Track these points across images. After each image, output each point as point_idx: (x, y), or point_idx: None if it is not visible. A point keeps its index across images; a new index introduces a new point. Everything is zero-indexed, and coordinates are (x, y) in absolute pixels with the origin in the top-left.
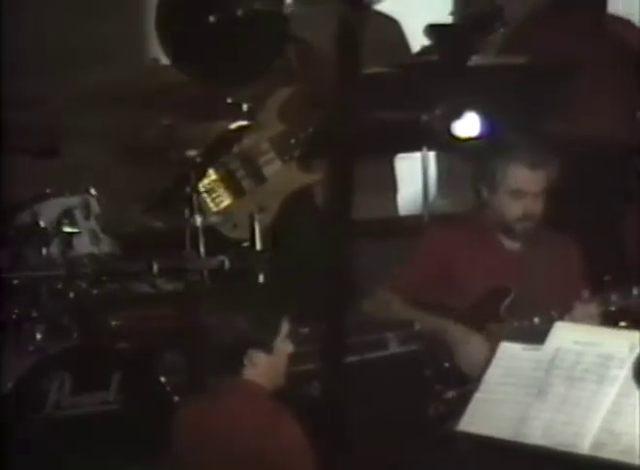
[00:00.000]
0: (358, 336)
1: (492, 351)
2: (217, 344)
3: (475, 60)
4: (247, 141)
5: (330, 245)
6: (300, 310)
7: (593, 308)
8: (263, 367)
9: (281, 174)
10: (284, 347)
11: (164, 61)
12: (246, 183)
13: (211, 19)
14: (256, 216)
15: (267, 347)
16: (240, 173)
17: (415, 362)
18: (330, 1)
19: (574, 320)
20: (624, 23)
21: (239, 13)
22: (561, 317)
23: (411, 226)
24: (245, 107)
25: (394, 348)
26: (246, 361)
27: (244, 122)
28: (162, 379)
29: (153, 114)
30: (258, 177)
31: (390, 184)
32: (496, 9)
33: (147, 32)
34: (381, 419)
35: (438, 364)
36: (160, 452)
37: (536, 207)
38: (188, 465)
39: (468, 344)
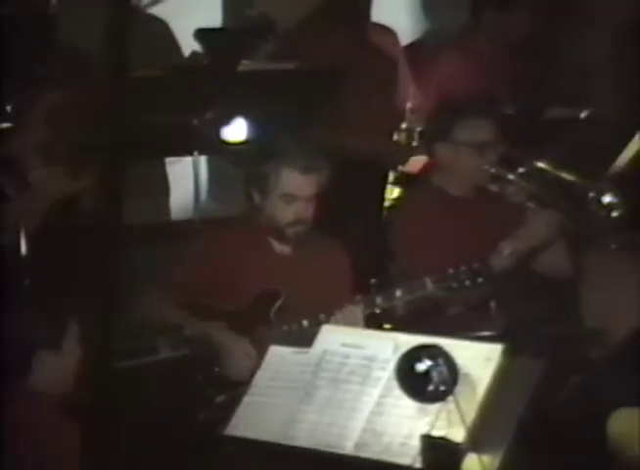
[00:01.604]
0: (129, 341)
1: (263, 354)
2: (4, 346)
3: (245, 65)
4: (11, 145)
5: (99, 250)
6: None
7: (359, 311)
8: (52, 369)
9: (47, 180)
10: (73, 349)
11: None
12: (10, 188)
13: None
14: (23, 221)
15: (55, 346)
16: (2, 178)
17: (186, 367)
18: (97, 2)
19: (341, 322)
20: (386, 31)
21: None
22: (329, 320)
23: (183, 230)
24: (9, 109)
25: (165, 352)
26: (35, 363)
27: (7, 125)
28: None
29: None
30: (23, 182)
31: (163, 188)
32: (269, 23)
33: None
34: (153, 425)
35: (209, 369)
36: None
37: (308, 211)
38: None
39: (233, 350)
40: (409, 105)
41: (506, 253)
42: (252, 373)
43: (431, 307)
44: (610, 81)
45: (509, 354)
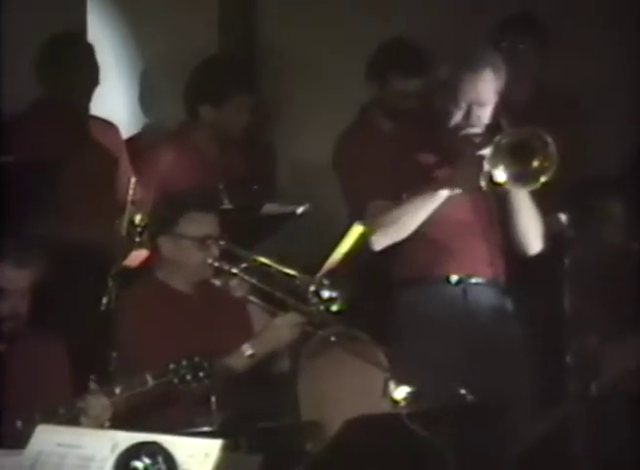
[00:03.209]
0: None
1: None
2: None
3: None
4: None
5: None
6: None
7: (104, 400)
8: None
9: None
10: None
11: None
12: None
13: None
14: None
15: None
16: None
17: None
18: None
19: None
20: (106, 125)
21: None
22: (45, 420)
23: None
24: None
25: None
26: None
27: None
28: None
29: None
30: None
31: None
32: None
33: None
34: None
35: None
36: None
37: (22, 305)
38: None
39: None
40: (130, 196)
41: (246, 354)
42: None
43: (152, 403)
44: (328, 177)
45: (228, 450)
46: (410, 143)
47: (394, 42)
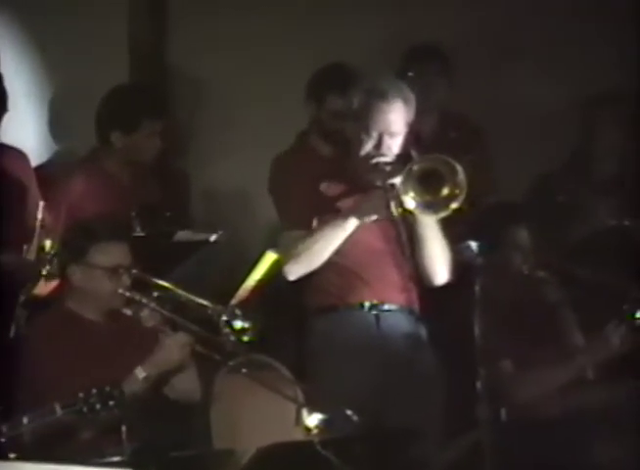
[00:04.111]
0: None
1: None
2: None
3: None
4: None
5: None
6: None
7: None
8: None
9: None
10: None
11: None
12: None
13: None
14: None
15: None
16: None
17: None
18: None
19: None
20: (15, 153)
21: None
22: None
23: None
24: None
25: None
26: None
27: None
28: None
29: None
30: None
31: None
32: None
33: None
34: None
35: None
36: None
37: None
38: None
39: None
40: (39, 221)
41: (140, 377)
42: None
43: (61, 433)
44: (241, 204)
45: None
46: (325, 170)
47: (334, 64)
